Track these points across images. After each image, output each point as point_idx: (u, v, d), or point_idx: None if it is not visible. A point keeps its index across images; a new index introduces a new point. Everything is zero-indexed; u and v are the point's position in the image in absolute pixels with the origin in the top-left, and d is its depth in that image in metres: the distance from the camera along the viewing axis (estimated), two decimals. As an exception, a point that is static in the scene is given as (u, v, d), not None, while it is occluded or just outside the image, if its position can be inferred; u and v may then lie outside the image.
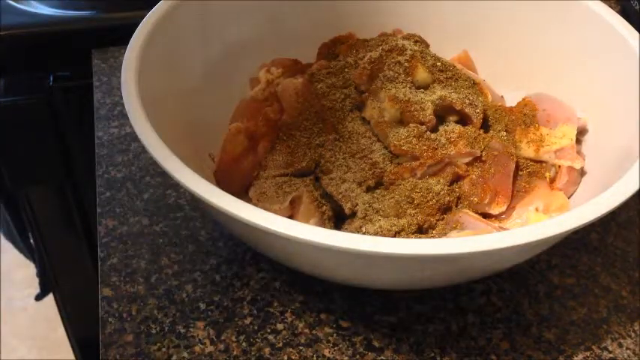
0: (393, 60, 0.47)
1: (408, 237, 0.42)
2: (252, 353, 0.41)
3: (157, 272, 0.45)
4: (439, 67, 0.48)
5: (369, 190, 0.44)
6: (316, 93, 0.47)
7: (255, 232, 0.37)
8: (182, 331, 0.42)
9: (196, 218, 0.49)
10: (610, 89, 0.47)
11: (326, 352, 0.41)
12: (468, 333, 0.43)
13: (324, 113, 0.46)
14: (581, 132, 0.48)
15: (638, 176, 0.37)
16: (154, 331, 0.42)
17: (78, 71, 0.66)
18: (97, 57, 0.64)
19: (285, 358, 0.41)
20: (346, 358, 0.41)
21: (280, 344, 0.42)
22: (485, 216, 0.44)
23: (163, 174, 0.52)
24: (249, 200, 0.44)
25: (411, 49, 0.47)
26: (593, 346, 0.42)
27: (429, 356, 0.42)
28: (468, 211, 0.43)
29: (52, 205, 0.77)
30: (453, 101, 0.46)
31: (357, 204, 0.43)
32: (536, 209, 0.45)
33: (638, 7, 0.65)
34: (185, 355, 0.41)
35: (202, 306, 0.44)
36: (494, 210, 0.44)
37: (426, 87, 0.47)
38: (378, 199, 0.43)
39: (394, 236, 0.42)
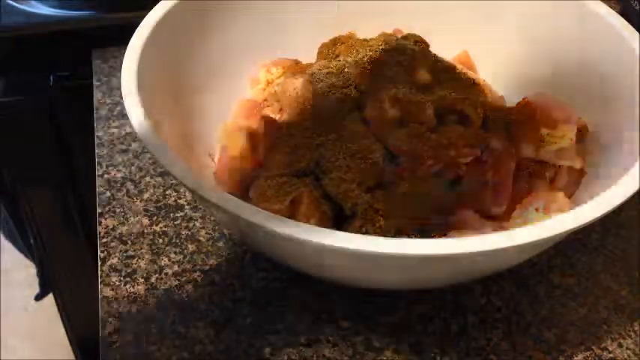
0: (393, 60, 0.47)
1: (408, 237, 0.42)
2: (252, 353, 0.41)
3: (157, 272, 0.45)
4: (439, 67, 0.48)
5: (369, 190, 0.44)
6: (316, 93, 0.47)
7: (255, 232, 0.37)
8: (182, 331, 0.42)
9: (196, 218, 0.49)
10: (610, 89, 0.47)
11: (326, 352, 0.41)
12: (468, 333, 0.43)
13: (324, 113, 0.46)
14: (581, 132, 0.48)
15: (638, 176, 0.37)
16: (154, 331, 0.42)
17: (78, 71, 0.66)
18: (97, 57, 0.64)
19: (285, 358, 0.41)
20: (346, 358, 0.41)
21: (280, 344, 0.42)
22: (486, 216, 0.44)
23: (163, 174, 0.52)
24: (249, 200, 0.44)
25: (411, 49, 0.47)
26: (593, 346, 0.42)
27: (429, 356, 0.42)
28: (468, 211, 0.43)
29: (52, 205, 0.77)
30: (453, 101, 0.46)
31: (357, 204, 0.43)
32: (536, 209, 0.45)
33: (638, 7, 0.65)
34: (185, 355, 0.41)
35: (202, 306, 0.44)
36: (495, 210, 0.44)
37: (426, 87, 0.47)
38: (378, 199, 0.43)
39: (394, 236, 0.42)
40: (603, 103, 0.48)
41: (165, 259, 0.46)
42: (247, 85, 0.54)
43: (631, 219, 0.50)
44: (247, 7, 0.53)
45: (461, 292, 0.45)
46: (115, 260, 0.46)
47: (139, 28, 0.46)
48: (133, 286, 0.44)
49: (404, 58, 0.47)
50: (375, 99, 0.46)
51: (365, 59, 0.47)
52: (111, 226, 0.48)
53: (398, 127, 0.45)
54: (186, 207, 0.50)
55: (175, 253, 0.47)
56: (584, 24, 0.49)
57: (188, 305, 0.44)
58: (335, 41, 0.53)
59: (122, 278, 0.45)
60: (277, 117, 0.49)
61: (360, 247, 0.33)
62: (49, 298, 0.91)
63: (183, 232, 0.48)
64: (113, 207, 0.49)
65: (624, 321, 0.44)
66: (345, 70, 0.48)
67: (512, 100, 0.51)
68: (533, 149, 0.47)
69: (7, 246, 0.95)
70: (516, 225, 0.44)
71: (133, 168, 0.52)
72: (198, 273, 0.45)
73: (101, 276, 0.45)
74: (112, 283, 0.44)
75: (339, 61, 0.50)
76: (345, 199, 0.43)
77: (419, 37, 0.51)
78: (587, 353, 0.42)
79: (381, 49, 0.47)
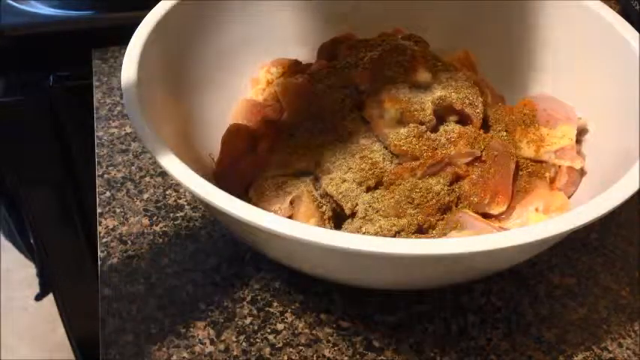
0: (393, 60, 0.47)
1: (408, 237, 0.42)
2: (252, 353, 0.41)
3: (157, 272, 0.45)
4: (439, 67, 0.48)
5: (369, 190, 0.44)
6: (316, 93, 0.47)
7: (255, 232, 0.37)
8: (182, 331, 0.42)
9: (196, 218, 0.49)
10: (610, 89, 0.47)
11: (326, 352, 0.41)
12: (468, 333, 0.43)
13: (324, 113, 0.46)
14: (581, 132, 0.48)
15: (638, 176, 0.37)
16: (154, 331, 0.42)
17: (78, 71, 0.66)
18: (97, 57, 0.64)
19: (285, 358, 0.41)
20: (346, 358, 0.41)
21: (280, 344, 0.42)
22: (486, 216, 0.44)
23: (163, 174, 0.52)
24: (249, 200, 0.44)
25: (411, 49, 0.47)
26: (593, 346, 0.42)
27: (429, 356, 0.42)
28: (468, 211, 0.43)
29: (52, 205, 0.77)
30: (453, 101, 0.46)
31: (357, 204, 0.43)
32: (536, 209, 0.45)
33: (638, 7, 0.65)
34: (185, 355, 0.41)
35: (202, 306, 0.44)
36: (494, 210, 0.44)
37: (426, 87, 0.47)
38: (378, 199, 0.43)
39: (394, 236, 0.42)
40: (603, 103, 0.48)
41: (165, 259, 0.46)
42: (247, 85, 0.54)
43: (631, 219, 0.50)
44: (247, 7, 0.53)
45: (461, 292, 0.45)
46: (115, 260, 0.46)
47: (139, 28, 0.46)
48: (133, 286, 0.44)
49: (404, 58, 0.47)
50: (375, 99, 0.46)
51: (365, 59, 0.47)
52: (111, 226, 0.48)
53: (398, 127, 0.45)
54: (186, 207, 0.50)
55: (175, 253, 0.47)
56: (584, 24, 0.49)
57: (188, 305, 0.44)
58: (335, 41, 0.53)
59: (122, 278, 0.45)
60: (277, 117, 0.49)
61: (360, 247, 0.33)
62: (49, 298, 0.90)
63: (183, 232, 0.48)
64: (113, 207, 0.49)
65: (624, 321, 0.44)
66: (345, 70, 0.48)
67: (512, 100, 0.51)
68: (533, 149, 0.47)
69: (7, 246, 0.95)
70: (516, 225, 0.44)
71: (133, 168, 0.52)
72: (198, 273, 0.45)
73: (101, 276, 0.45)
74: (112, 283, 0.44)
75: (339, 61, 0.50)
76: (345, 199, 0.43)
77: (419, 37, 0.51)
78: (587, 353, 0.42)
79: (381, 49, 0.47)
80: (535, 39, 0.53)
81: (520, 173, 0.46)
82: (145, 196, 0.50)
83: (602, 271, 0.47)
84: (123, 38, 0.46)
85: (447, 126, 0.46)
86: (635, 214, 0.50)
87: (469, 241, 0.33)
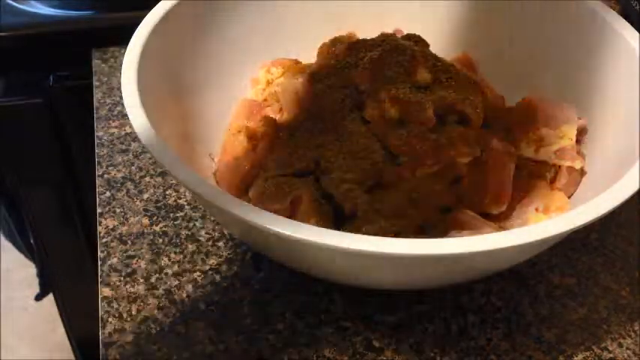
0: (393, 60, 0.47)
1: (408, 237, 0.42)
2: (252, 353, 0.41)
3: (157, 272, 0.45)
4: (439, 67, 0.48)
5: (369, 190, 0.44)
6: (316, 93, 0.47)
7: (255, 232, 0.37)
8: (182, 331, 0.42)
9: (196, 218, 0.49)
10: (610, 89, 0.47)
11: (326, 352, 0.41)
12: (468, 333, 0.43)
13: (324, 113, 0.46)
14: (581, 132, 0.48)
15: (638, 176, 0.37)
16: (153, 331, 0.42)
17: (78, 71, 0.66)
18: (97, 57, 0.64)
19: (285, 358, 0.41)
20: (346, 358, 0.41)
21: (280, 344, 0.42)
22: (486, 216, 0.44)
23: (163, 174, 0.52)
24: (249, 200, 0.44)
25: (411, 49, 0.47)
26: (593, 346, 0.42)
27: (428, 356, 0.42)
28: (468, 211, 0.43)
29: (52, 205, 0.77)
30: (453, 101, 0.46)
31: (357, 204, 0.43)
32: (536, 209, 0.45)
33: (638, 7, 0.65)
34: (185, 355, 0.41)
35: (202, 306, 0.44)
36: (494, 210, 0.44)
37: (426, 87, 0.47)
38: (378, 199, 0.43)
39: (394, 236, 0.42)
40: (603, 103, 0.48)
41: (166, 259, 0.46)
42: (247, 85, 0.54)
43: (631, 219, 0.50)
44: (247, 7, 0.53)
45: (461, 292, 0.45)
46: (115, 260, 0.46)
47: (139, 28, 0.46)
48: (133, 286, 0.44)
49: (404, 58, 0.47)
50: (375, 99, 0.46)
51: (365, 59, 0.47)
52: (111, 226, 0.48)
53: (398, 127, 0.45)
54: (186, 207, 0.50)
55: (175, 253, 0.47)
56: (584, 24, 0.49)
57: (188, 305, 0.44)
58: (335, 41, 0.53)
59: (122, 278, 0.45)
60: (277, 117, 0.49)
61: (360, 247, 0.33)
62: (49, 298, 0.91)
63: (183, 232, 0.48)
64: (113, 207, 0.49)
65: (624, 321, 0.44)
66: (345, 70, 0.48)
67: (512, 100, 0.51)
68: (533, 149, 0.47)
69: (7, 246, 0.95)
70: (516, 225, 0.44)
71: (133, 168, 0.52)
72: (198, 273, 0.45)
73: (101, 276, 0.45)
74: (112, 283, 0.44)
75: (339, 61, 0.50)
76: (345, 199, 0.43)
77: (419, 37, 0.51)
78: (587, 353, 0.42)
79: (381, 49, 0.47)
80: (535, 39, 0.53)
81: (520, 173, 0.46)
82: (145, 196, 0.50)
83: (602, 271, 0.47)
84: (123, 38, 0.46)
85: (447, 126, 0.46)
86: (635, 214, 0.50)
87: (469, 241, 0.33)
